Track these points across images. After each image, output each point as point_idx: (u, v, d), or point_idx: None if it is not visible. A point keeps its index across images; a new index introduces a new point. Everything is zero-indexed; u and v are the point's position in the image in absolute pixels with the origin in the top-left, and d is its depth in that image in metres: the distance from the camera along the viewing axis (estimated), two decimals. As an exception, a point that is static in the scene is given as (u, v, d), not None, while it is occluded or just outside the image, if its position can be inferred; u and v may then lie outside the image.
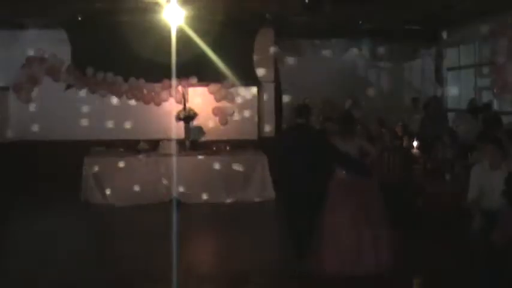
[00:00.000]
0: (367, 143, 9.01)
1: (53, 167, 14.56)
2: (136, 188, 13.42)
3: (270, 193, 13.62)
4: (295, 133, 8.41)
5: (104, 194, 13.53)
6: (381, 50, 17.40)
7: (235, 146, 14.46)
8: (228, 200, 13.54)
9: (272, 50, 15.89)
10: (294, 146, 8.14)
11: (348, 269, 8.03)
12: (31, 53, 15.44)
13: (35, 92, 15.47)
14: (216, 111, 15.41)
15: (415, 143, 12.89)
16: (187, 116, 14.42)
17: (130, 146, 14.26)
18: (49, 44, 15.31)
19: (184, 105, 14.75)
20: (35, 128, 15.35)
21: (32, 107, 15.46)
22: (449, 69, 17.49)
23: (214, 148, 14.13)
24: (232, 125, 15.36)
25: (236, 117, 15.55)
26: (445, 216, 10.53)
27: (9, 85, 15.57)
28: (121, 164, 13.57)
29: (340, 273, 8.00)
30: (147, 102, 15.38)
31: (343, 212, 8.15)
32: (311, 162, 7.94)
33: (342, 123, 8.65)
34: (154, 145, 14.27)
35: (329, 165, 8.09)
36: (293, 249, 8.55)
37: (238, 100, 15.50)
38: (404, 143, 13.09)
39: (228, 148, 14.23)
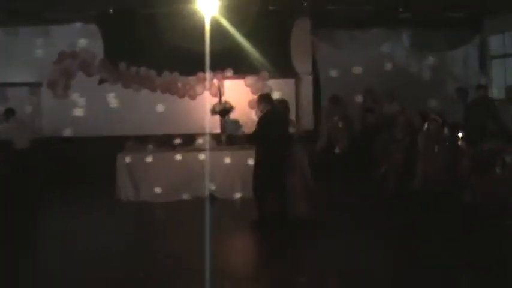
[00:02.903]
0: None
1: (86, 163, 14.61)
2: (171, 185, 13.22)
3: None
4: (270, 114, 10.73)
5: (137, 190, 13.38)
6: (422, 39, 16.90)
7: None
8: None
9: (309, 40, 15.65)
10: (271, 123, 10.61)
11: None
12: (63, 48, 15.24)
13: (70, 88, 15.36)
14: (253, 105, 14.84)
15: (460, 135, 12.47)
16: (223, 110, 14.14)
17: (165, 142, 14.08)
18: (81, 38, 15.22)
19: (220, 98, 14.61)
20: (68, 123, 15.12)
21: (65, 103, 15.26)
22: (494, 57, 17.01)
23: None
24: None
25: None
26: (493, 213, 10.17)
27: (41, 81, 15.53)
28: (155, 160, 13.36)
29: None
30: (181, 96, 15.17)
31: (295, 171, 10.89)
32: (280, 133, 10.63)
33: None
34: (189, 140, 14.06)
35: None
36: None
37: (276, 93, 14.85)
38: (448, 135, 12.68)
39: None
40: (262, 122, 10.68)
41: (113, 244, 9.96)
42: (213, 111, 14.20)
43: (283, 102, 11.39)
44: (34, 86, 15.71)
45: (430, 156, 12.22)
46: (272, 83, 15.15)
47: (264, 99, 10.98)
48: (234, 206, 12.85)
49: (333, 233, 10.29)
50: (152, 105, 15.12)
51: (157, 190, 13.18)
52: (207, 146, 13.43)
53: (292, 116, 14.92)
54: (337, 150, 14.20)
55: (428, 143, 12.29)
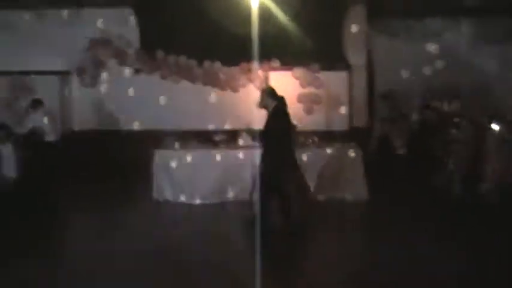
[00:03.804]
0: None
1: (120, 159, 14.46)
2: (213, 185, 12.78)
3: (363, 193, 12.81)
4: (278, 110, 10.62)
5: (176, 190, 12.93)
6: (486, 29, 16.31)
7: (324, 138, 13.65)
8: (315, 198, 12.66)
9: (364, 30, 15.31)
10: (282, 121, 10.60)
11: None
12: (95, 34, 15.24)
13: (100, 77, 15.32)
14: (301, 99, 14.89)
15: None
16: None
17: (206, 137, 13.66)
18: (115, 24, 15.20)
19: None
20: (100, 116, 15.17)
21: (97, 94, 15.20)
22: None
23: (301, 139, 13.20)
24: (319, 114, 14.81)
25: (324, 105, 14.92)
26: None
27: (71, 69, 15.46)
28: (195, 158, 12.90)
29: None
30: (223, 88, 15.02)
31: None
32: (288, 132, 10.71)
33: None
34: (232, 136, 13.57)
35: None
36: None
37: (327, 86, 14.91)
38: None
39: (316, 140, 13.42)
40: (273, 118, 10.48)
41: (147, 248, 9.65)
42: (260, 105, 13.82)
43: (282, 99, 11.13)
44: (64, 75, 15.54)
45: (500, 158, 11.83)
46: (322, 75, 14.96)
47: (271, 93, 10.72)
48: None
49: (389, 243, 9.73)
50: (192, 98, 14.99)
51: (197, 190, 12.75)
52: (252, 143, 12.89)
53: (345, 112, 15.10)
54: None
55: (499, 143, 11.90)
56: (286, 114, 10.70)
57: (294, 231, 10.26)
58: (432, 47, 15.62)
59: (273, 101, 10.55)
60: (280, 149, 10.28)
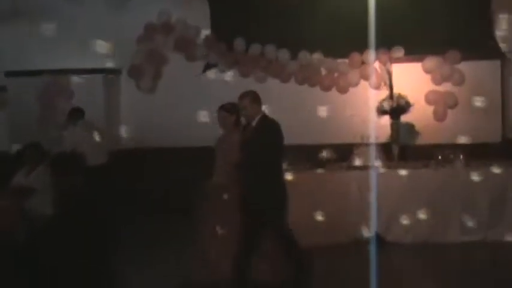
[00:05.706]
0: None
1: (190, 188, 12.91)
2: (317, 218, 11.93)
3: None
4: (267, 121, 9.84)
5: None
6: None
7: (465, 154, 12.59)
8: (462, 239, 11.89)
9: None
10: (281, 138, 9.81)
11: None
12: (152, 18, 14.42)
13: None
14: (431, 99, 13.66)
15: None
16: (397, 108, 13.26)
17: (307, 155, 13.02)
18: (178, 4, 14.74)
19: (391, 91, 13.54)
20: (161, 130, 14.85)
21: (156, 100, 14.68)
22: None
23: (439, 157, 12.47)
24: (457, 120, 13.75)
25: (463, 107, 13.72)
26: None
27: (121, 67, 15.10)
28: (294, 181, 11.67)
29: None
30: (326, 88, 14.15)
31: None
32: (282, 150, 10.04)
33: None
34: (342, 153, 12.94)
35: None
36: None
37: (470, 82, 13.66)
38: None
39: (461, 157, 12.41)
40: (264, 133, 9.53)
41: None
42: (381, 111, 13.41)
43: None
44: (111, 75, 15.36)
45: None
46: (464, 66, 13.70)
47: (256, 99, 9.75)
48: (413, 253, 11.72)
49: None
50: (284, 102, 14.38)
51: (298, 225, 10.91)
52: (370, 163, 12.39)
53: (496, 117, 14.55)
54: None
55: None
56: (279, 127, 9.73)
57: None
58: None
59: (259, 109, 9.64)
60: (274, 176, 9.52)
